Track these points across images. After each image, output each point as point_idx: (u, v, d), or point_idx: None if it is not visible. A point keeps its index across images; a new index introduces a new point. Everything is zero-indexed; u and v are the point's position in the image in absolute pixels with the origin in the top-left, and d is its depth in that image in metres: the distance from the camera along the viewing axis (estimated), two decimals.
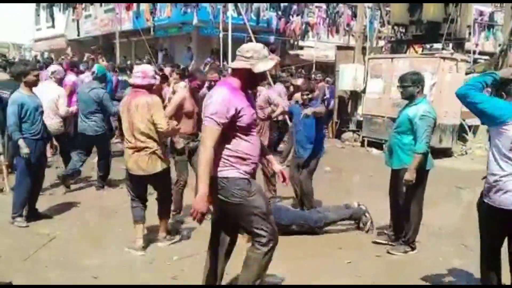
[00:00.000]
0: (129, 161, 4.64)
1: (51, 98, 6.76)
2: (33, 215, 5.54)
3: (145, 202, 4.84)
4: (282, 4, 16.62)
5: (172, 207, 5.30)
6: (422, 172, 4.65)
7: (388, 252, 4.89)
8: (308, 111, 5.51)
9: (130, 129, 4.57)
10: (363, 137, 11.79)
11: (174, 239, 5.00)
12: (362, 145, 11.71)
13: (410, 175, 4.53)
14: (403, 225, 4.89)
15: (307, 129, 5.79)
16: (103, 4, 15.85)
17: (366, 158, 10.71)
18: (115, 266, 4.43)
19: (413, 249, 4.90)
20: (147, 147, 4.54)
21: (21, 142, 5.15)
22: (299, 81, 9.03)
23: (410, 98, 4.75)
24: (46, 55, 26.83)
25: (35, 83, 5.45)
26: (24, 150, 5.14)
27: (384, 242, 5.10)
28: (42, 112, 5.48)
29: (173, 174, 5.35)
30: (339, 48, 13.71)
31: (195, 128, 5.43)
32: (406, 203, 4.80)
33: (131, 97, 4.66)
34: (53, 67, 7.71)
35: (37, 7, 16.64)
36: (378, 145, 11.15)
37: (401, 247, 4.90)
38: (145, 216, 4.81)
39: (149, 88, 4.66)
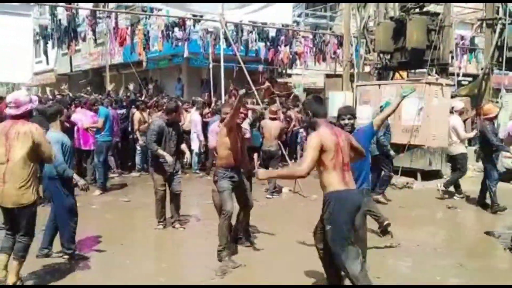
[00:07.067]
0: None
1: None
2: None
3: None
4: (270, 35, 17.05)
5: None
6: None
7: None
8: None
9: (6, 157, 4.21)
10: None
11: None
12: None
13: None
14: None
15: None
16: (97, 40, 16.12)
17: None
18: None
19: None
20: (19, 178, 4.19)
21: (76, 177, 5.06)
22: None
23: None
24: (35, 90, 26.97)
25: (64, 123, 5.47)
26: (82, 181, 5.07)
27: None
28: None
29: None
30: (328, 76, 14.05)
31: None
32: None
33: (9, 124, 4.30)
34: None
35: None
36: None
37: None
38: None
39: (26, 116, 4.36)
